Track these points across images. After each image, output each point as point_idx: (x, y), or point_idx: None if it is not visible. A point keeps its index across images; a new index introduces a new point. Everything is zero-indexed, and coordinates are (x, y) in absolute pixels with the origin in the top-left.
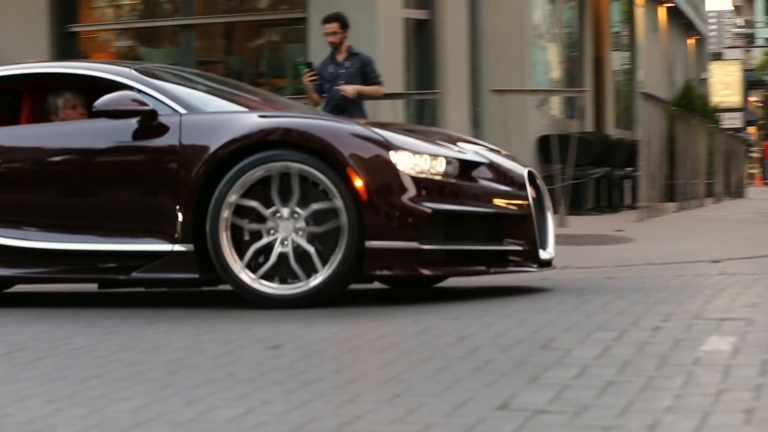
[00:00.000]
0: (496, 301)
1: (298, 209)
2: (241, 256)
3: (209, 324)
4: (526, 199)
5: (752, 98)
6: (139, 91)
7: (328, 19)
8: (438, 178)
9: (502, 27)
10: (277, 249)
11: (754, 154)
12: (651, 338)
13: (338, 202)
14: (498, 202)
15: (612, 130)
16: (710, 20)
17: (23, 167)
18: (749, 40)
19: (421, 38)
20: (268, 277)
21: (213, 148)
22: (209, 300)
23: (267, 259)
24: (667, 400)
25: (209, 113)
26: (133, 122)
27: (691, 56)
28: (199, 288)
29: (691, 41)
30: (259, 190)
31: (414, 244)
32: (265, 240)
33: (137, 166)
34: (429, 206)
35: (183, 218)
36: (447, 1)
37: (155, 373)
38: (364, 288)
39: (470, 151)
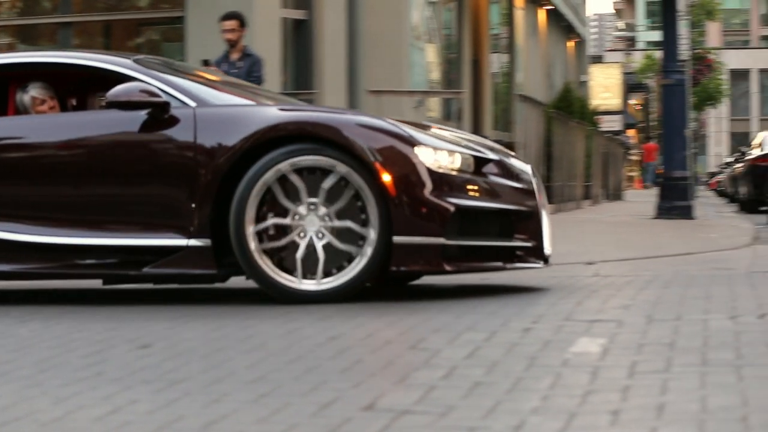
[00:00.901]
0: (368, 302)
1: (325, 205)
2: (264, 250)
3: (80, 323)
4: (535, 196)
5: (632, 101)
6: (144, 82)
7: (227, 17)
8: (456, 173)
9: (380, 28)
10: (305, 243)
11: (634, 157)
12: (521, 339)
13: (367, 197)
14: (511, 198)
15: (490, 132)
16: (592, 23)
17: (30, 159)
18: (630, 43)
19: (299, 38)
20: (288, 271)
21: (235, 140)
22: (80, 298)
23: (287, 252)
24: (533, 401)
25: (223, 106)
26: (142, 114)
27: (571, 59)
28: (212, 284)
29: (570, 44)
30: (284, 183)
31: (440, 240)
32: (293, 234)
33: (148, 159)
34: (452, 202)
35: (200, 212)
36: (325, 1)
37: (24, 372)
38: (236, 286)
39: (480, 147)
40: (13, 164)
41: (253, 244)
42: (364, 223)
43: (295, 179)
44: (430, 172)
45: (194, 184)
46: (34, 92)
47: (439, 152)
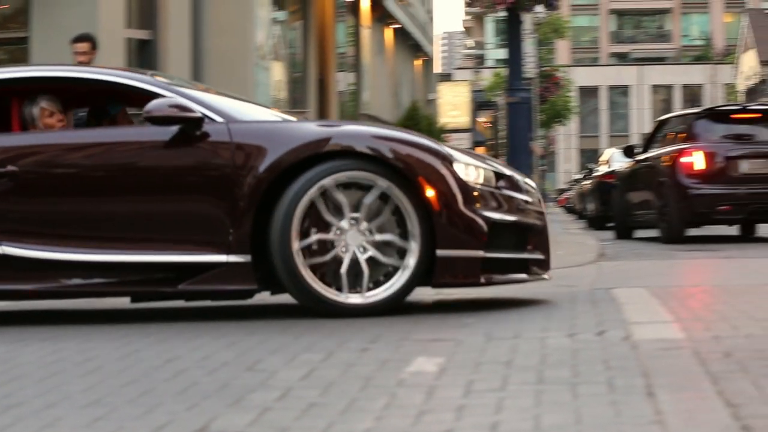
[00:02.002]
0: (207, 323)
1: (367, 220)
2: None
3: None
4: (542, 210)
5: (481, 119)
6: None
7: (79, 39)
8: (485, 188)
9: (224, 47)
10: (349, 257)
11: None
12: (357, 359)
13: (408, 212)
14: (526, 212)
15: None
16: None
17: (62, 176)
18: (479, 61)
19: (144, 58)
20: (329, 285)
21: (276, 155)
22: None
23: (327, 267)
24: (367, 421)
25: (255, 122)
26: (173, 129)
27: (419, 77)
28: (245, 299)
29: (418, 62)
30: (327, 199)
31: (479, 253)
32: (337, 249)
33: (184, 175)
34: (487, 216)
35: (240, 227)
36: (169, 20)
37: None
38: (72, 306)
39: (492, 163)
40: (45, 181)
41: (299, 259)
42: (404, 237)
43: (338, 194)
44: (468, 187)
45: (233, 200)
46: (44, 103)
47: (470, 168)
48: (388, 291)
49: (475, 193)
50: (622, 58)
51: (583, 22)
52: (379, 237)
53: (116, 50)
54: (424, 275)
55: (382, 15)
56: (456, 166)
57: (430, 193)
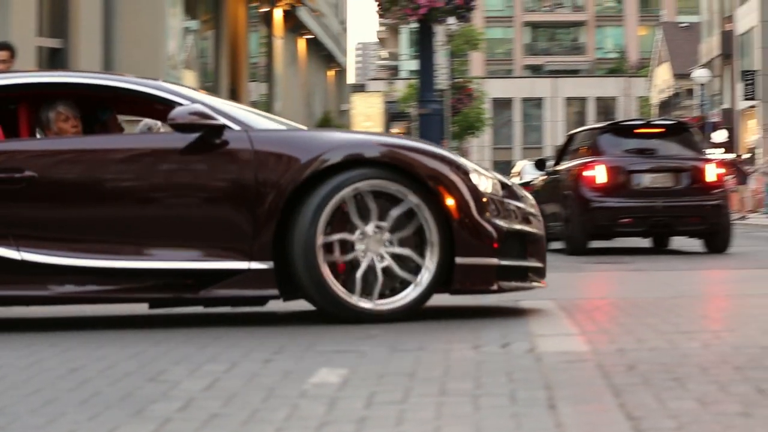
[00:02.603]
0: (111, 333)
1: (386, 229)
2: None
3: None
4: (539, 218)
5: (395, 129)
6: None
7: None
8: (495, 198)
9: (135, 57)
10: (367, 263)
11: None
12: (261, 370)
13: (427, 220)
14: (528, 220)
15: None
16: (356, 52)
17: (85, 182)
18: (393, 72)
19: (55, 67)
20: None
21: (300, 163)
22: None
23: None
24: None
25: (276, 130)
26: (192, 137)
27: (332, 88)
28: (263, 305)
29: (331, 73)
30: (357, 202)
31: (495, 260)
32: (357, 255)
33: (205, 182)
34: (500, 224)
35: (263, 234)
36: (81, 29)
37: None
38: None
39: (493, 172)
40: (63, 186)
41: (320, 255)
42: (421, 254)
43: (370, 201)
44: (482, 196)
45: (256, 207)
46: (61, 108)
47: (482, 177)
48: (399, 302)
49: (488, 203)
50: (536, 71)
51: (497, 34)
52: (398, 250)
53: (27, 58)
54: (442, 282)
55: (295, 25)
56: (473, 176)
57: (450, 202)
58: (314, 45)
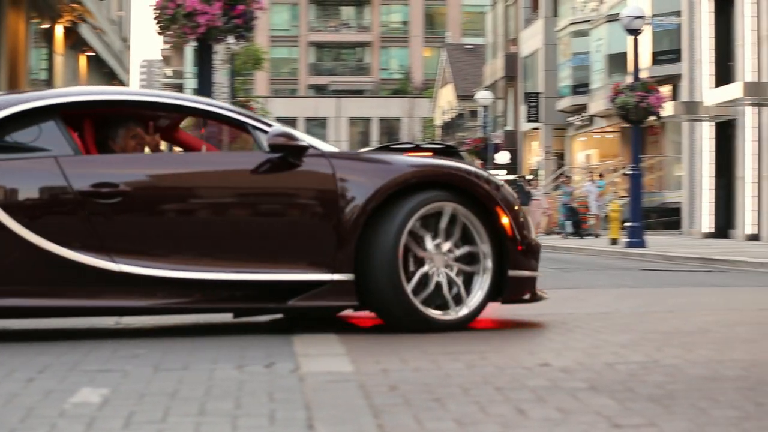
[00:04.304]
0: None
1: (452, 246)
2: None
3: None
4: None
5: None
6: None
7: None
8: (520, 212)
9: None
10: (434, 278)
11: None
12: (22, 390)
13: (481, 236)
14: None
15: None
16: (141, 69)
17: (171, 196)
18: (178, 89)
19: None
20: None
21: (378, 184)
22: None
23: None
24: None
25: (352, 153)
26: (276, 156)
27: None
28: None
29: None
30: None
31: (536, 273)
32: (426, 268)
33: (290, 200)
34: (532, 238)
35: (345, 248)
36: None
37: None
38: None
39: None
40: (160, 201)
41: (402, 276)
42: (476, 261)
43: (437, 220)
44: (520, 212)
45: (338, 223)
46: (133, 124)
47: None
48: (467, 309)
49: (522, 219)
50: (321, 90)
51: (282, 53)
52: (460, 265)
53: None
54: (494, 293)
55: (76, 42)
56: (502, 190)
57: (505, 220)
58: (96, 62)
